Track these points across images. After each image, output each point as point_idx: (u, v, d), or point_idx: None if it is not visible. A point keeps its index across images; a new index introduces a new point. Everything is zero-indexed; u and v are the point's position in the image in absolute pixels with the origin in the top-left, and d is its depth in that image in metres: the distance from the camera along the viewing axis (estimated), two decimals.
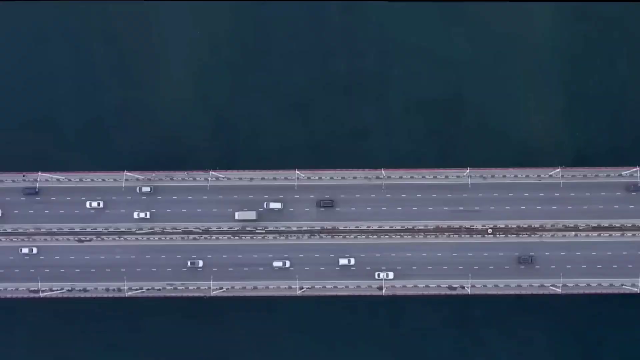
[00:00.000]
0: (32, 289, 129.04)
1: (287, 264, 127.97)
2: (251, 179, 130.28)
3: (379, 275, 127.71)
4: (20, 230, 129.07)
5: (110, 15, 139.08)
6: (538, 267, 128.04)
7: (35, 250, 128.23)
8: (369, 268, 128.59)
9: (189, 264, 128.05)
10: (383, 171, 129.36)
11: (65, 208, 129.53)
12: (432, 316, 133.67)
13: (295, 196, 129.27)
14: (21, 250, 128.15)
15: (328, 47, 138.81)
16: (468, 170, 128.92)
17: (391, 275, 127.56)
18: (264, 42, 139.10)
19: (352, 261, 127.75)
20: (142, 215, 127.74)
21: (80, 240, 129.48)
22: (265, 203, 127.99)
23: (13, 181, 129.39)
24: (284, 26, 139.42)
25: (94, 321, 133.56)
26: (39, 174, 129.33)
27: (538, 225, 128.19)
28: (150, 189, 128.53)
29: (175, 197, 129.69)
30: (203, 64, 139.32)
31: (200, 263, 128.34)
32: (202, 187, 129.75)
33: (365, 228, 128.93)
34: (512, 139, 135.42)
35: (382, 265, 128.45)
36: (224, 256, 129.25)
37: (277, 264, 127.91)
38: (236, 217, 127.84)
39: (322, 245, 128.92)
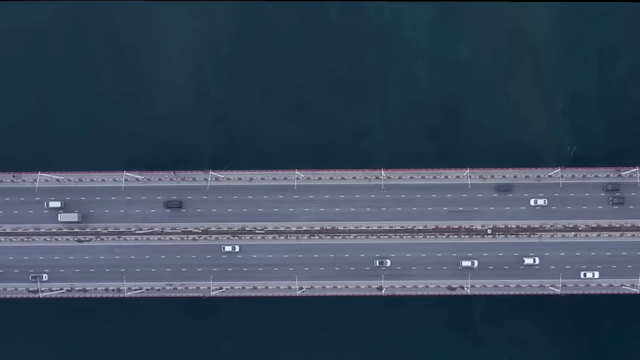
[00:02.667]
0: (31, 289, 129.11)
1: (546, 201, 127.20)
2: (251, 179, 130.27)
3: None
4: (20, 231, 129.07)
5: (110, 15, 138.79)
6: (537, 267, 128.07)
7: (237, 248, 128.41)
8: (369, 268, 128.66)
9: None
10: (383, 171, 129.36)
11: (64, 208, 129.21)
12: (432, 316, 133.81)
13: (295, 196, 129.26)
14: (224, 248, 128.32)
15: (328, 47, 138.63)
16: (467, 171, 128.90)
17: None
18: (263, 42, 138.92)
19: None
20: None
21: (79, 241, 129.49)
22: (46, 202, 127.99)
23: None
24: (284, 26, 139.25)
25: (94, 321, 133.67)
26: (39, 174, 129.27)
27: (537, 226, 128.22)
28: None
29: (175, 198, 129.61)
30: (202, 64, 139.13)
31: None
32: (201, 187, 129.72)
33: (364, 228, 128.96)
34: (512, 139, 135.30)
35: (381, 265, 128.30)
36: (223, 256, 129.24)
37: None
38: (59, 219, 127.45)
39: (321, 245, 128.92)
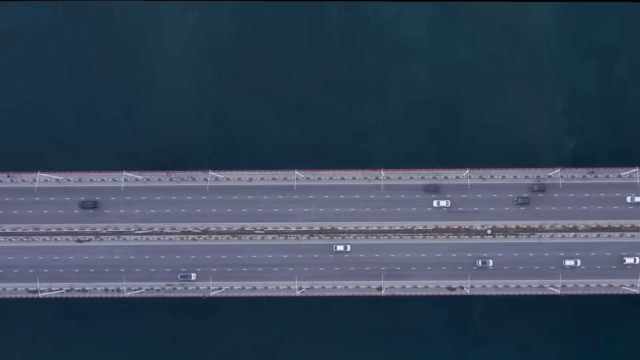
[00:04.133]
0: (30, 289, 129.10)
1: (349, 247, 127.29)
2: (250, 179, 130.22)
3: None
4: (19, 231, 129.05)
5: (110, 15, 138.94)
6: (537, 267, 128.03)
7: (349, 248, 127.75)
8: (368, 269, 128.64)
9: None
10: (382, 172, 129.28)
11: (64, 208, 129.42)
12: (432, 317, 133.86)
13: (295, 197, 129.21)
14: (335, 247, 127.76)
15: (327, 47, 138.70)
16: (467, 171, 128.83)
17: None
18: (263, 42, 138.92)
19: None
20: None
21: (79, 241, 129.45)
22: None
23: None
24: (284, 26, 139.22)
25: (93, 321, 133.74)
26: (38, 174, 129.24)
27: (537, 226, 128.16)
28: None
29: (174, 198, 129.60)
30: (203, 64, 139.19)
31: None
32: (201, 188, 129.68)
33: (364, 228, 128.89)
34: (512, 139, 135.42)
35: (381, 265, 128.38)
36: (222, 256, 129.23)
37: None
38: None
39: (321, 245, 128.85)
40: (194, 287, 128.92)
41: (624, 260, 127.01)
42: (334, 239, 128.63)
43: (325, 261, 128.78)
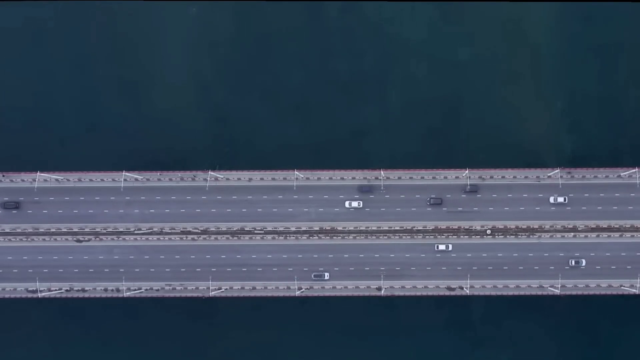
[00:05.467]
0: (30, 289, 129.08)
1: (450, 247, 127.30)
2: (250, 179, 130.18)
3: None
4: (19, 231, 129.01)
5: (110, 15, 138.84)
6: (537, 267, 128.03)
7: (450, 247, 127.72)
8: (368, 269, 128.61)
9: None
10: (382, 172, 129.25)
11: (63, 208, 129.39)
12: (431, 317, 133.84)
13: (294, 197, 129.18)
14: (437, 247, 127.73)
15: (327, 47, 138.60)
16: (467, 171, 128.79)
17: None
18: (263, 42, 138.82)
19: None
20: None
21: (78, 241, 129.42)
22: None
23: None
24: (283, 26, 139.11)
25: (93, 321, 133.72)
26: (38, 173, 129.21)
27: (537, 226, 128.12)
28: None
29: (174, 198, 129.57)
30: (202, 64, 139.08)
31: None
32: (201, 188, 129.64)
33: (364, 229, 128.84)
34: (511, 139, 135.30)
35: (380, 265, 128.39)
36: (222, 256, 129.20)
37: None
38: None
39: (320, 245, 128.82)
40: (194, 287, 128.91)
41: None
42: (334, 239, 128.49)
43: (325, 261, 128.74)
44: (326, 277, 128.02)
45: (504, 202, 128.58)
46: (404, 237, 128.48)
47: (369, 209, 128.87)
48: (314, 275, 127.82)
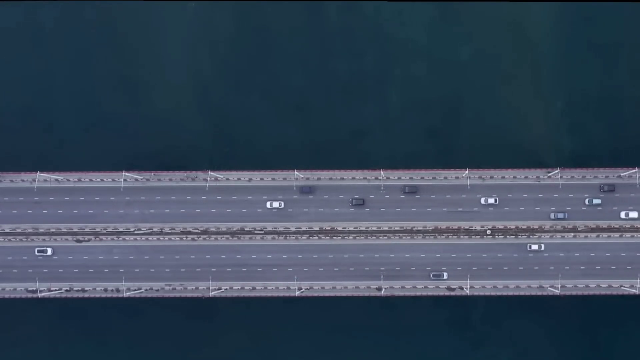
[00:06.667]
0: (30, 289, 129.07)
1: (542, 246, 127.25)
2: (250, 179, 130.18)
3: (530, 247, 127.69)
4: (18, 231, 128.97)
5: (110, 15, 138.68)
6: (537, 268, 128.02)
7: (542, 247, 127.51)
8: (368, 269, 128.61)
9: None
10: (382, 172, 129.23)
11: (63, 208, 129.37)
12: (431, 317, 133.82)
13: (294, 197, 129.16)
14: (530, 247, 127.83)
15: (328, 47, 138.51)
16: (467, 172, 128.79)
17: (543, 247, 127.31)
18: (263, 42, 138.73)
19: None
20: None
21: (78, 241, 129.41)
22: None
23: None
24: (284, 26, 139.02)
25: (92, 321, 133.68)
26: (38, 173, 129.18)
27: (537, 227, 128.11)
28: None
29: (174, 198, 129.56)
30: (202, 64, 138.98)
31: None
32: (200, 188, 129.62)
33: (364, 229, 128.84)
34: (511, 139, 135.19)
35: (380, 266, 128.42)
36: (222, 256, 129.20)
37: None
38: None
39: (320, 245, 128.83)
40: (194, 287, 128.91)
41: (529, 247, 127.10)
42: (334, 239, 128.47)
43: (325, 261, 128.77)
44: (445, 277, 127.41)
45: (504, 202, 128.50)
46: (404, 237, 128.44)
47: (369, 209, 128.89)
48: (433, 275, 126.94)
